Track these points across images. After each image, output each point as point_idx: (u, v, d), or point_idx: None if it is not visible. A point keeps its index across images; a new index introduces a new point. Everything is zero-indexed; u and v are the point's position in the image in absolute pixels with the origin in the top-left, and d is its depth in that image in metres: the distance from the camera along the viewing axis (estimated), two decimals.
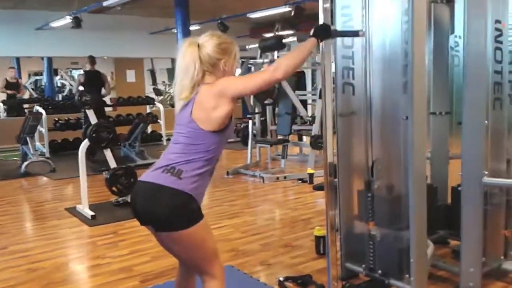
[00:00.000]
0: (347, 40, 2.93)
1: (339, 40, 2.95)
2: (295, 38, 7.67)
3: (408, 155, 2.59)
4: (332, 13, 2.77)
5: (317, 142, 6.19)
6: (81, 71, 8.52)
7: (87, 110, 4.87)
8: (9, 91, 10.35)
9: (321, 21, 2.49)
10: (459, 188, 2.89)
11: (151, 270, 3.30)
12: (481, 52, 2.68)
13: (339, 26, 2.86)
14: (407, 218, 2.58)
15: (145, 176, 2.00)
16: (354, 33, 2.25)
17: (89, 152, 7.09)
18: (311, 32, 2.16)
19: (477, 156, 2.74)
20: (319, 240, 3.47)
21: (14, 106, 10.49)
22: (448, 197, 3.43)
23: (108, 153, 4.87)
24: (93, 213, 4.60)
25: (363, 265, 2.92)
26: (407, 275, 2.68)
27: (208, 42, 1.99)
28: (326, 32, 2.26)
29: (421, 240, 2.66)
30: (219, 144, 1.99)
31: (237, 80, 2.04)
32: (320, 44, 2.23)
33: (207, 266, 2.05)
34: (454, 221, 2.98)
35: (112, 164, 4.86)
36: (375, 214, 2.84)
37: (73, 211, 4.84)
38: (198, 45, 1.99)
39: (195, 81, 1.96)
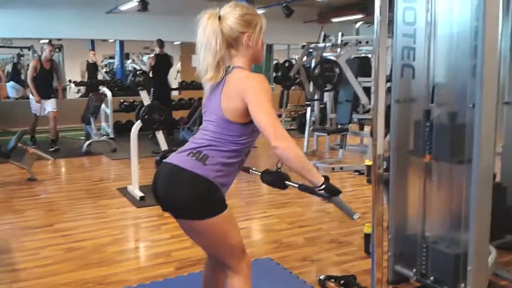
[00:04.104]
0: (409, 16, 2.61)
1: (399, 15, 2.64)
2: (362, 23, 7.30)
3: (474, 148, 2.27)
4: None
5: None
6: (152, 54, 8.58)
7: (140, 91, 4.82)
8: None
9: None
10: None
11: (189, 257, 3.18)
12: None
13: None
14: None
15: (170, 158, 1.86)
16: (348, 213, 1.77)
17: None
18: (323, 181, 1.74)
19: None
20: (369, 238, 3.19)
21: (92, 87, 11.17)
22: None
23: (159, 135, 4.83)
24: (142, 194, 4.57)
25: (414, 269, 2.62)
26: (463, 284, 2.36)
27: (230, 13, 1.77)
28: (333, 192, 1.79)
29: (482, 245, 2.33)
30: (249, 137, 1.80)
31: (263, 101, 1.68)
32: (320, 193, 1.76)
33: (230, 260, 1.89)
34: None
35: (163, 146, 4.82)
36: None
37: (124, 191, 4.85)
38: (219, 17, 1.77)
39: (218, 58, 1.75)
